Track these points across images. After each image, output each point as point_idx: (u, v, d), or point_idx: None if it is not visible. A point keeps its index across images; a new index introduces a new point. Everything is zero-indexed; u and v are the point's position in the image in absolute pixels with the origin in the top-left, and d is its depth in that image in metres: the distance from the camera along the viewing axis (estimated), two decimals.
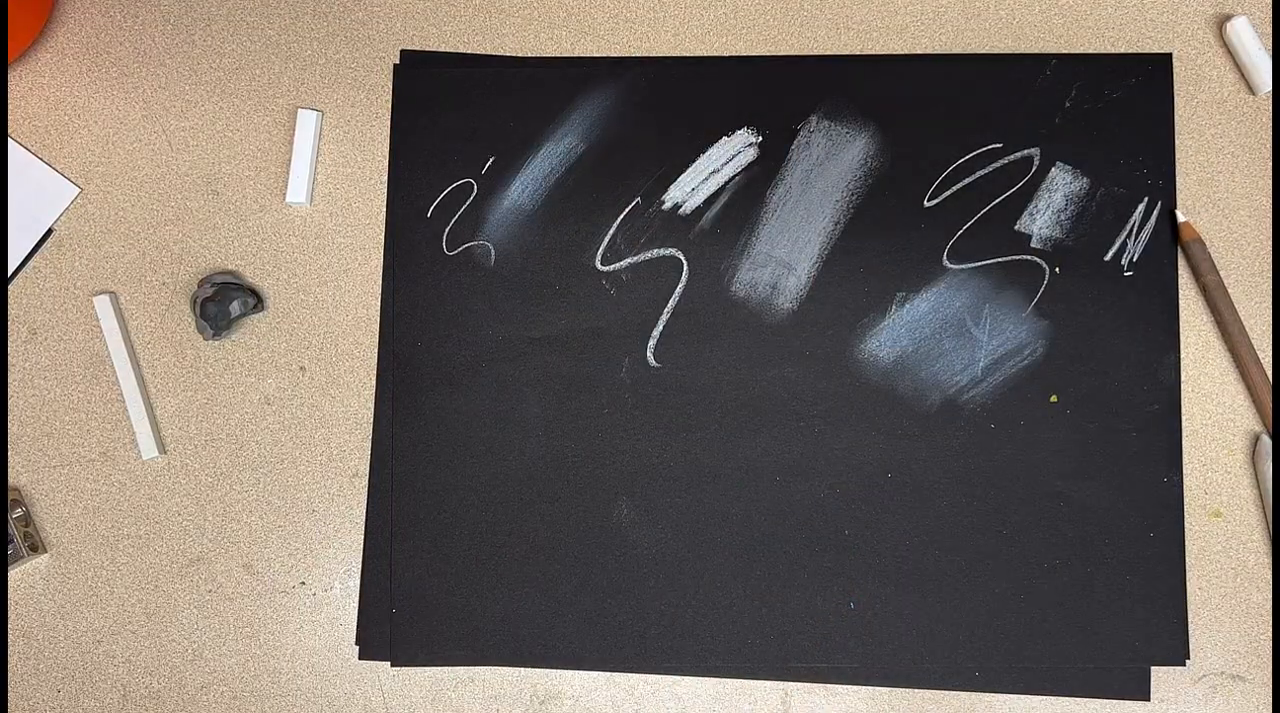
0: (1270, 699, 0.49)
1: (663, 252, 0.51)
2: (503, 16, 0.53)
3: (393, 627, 0.50)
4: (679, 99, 0.52)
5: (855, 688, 0.49)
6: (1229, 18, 0.51)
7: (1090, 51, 0.52)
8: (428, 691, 0.50)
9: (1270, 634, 0.49)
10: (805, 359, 0.50)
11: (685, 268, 0.51)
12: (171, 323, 0.52)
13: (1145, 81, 0.51)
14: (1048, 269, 0.50)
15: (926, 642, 0.49)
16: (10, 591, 0.51)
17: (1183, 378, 0.50)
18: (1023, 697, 0.49)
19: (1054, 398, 0.50)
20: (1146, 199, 0.50)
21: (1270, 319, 0.50)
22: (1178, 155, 0.51)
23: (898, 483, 0.49)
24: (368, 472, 0.51)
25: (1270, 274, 0.50)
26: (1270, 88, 0.51)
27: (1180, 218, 0.50)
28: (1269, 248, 0.50)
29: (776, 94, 0.52)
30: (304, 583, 0.51)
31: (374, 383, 0.52)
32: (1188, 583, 0.49)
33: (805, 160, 0.51)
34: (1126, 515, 0.49)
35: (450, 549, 0.50)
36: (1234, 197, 0.51)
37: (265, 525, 0.51)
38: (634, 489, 0.50)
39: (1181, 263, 0.50)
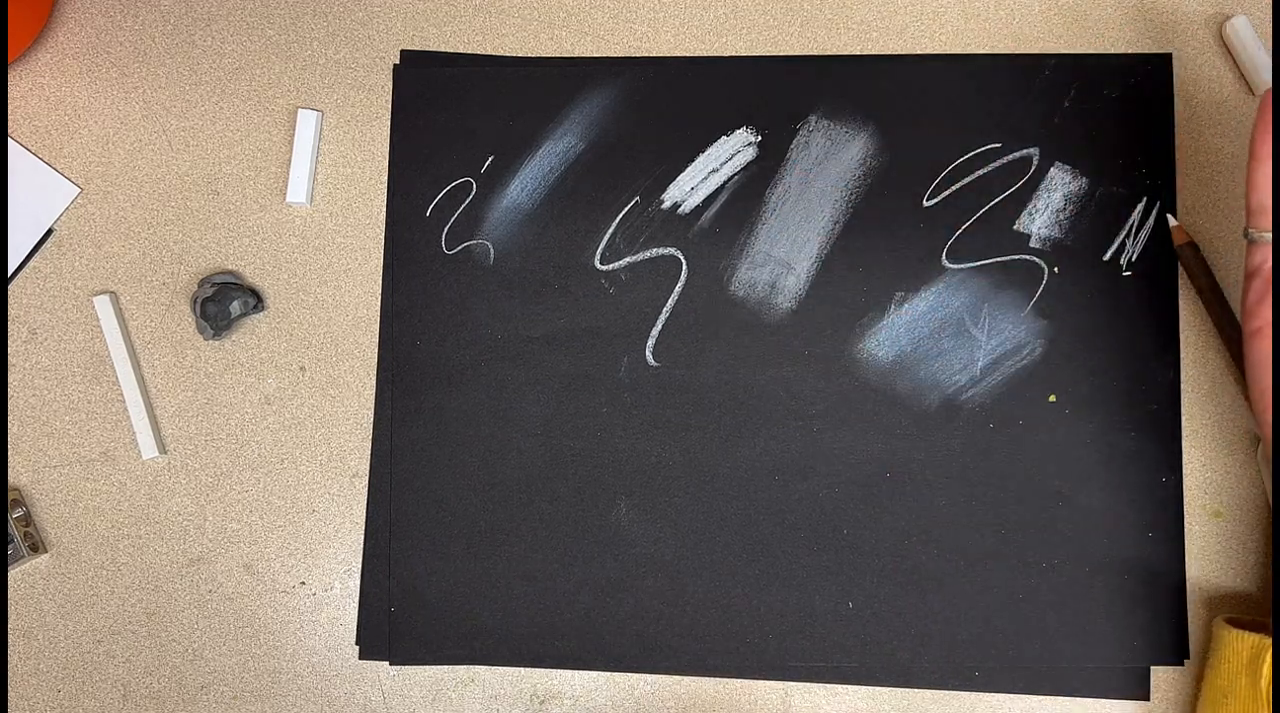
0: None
1: (662, 251, 0.51)
2: (503, 16, 0.54)
3: (391, 626, 0.50)
4: (678, 99, 0.52)
5: (855, 688, 0.49)
6: (1228, 18, 0.51)
7: (1089, 51, 0.52)
8: (428, 691, 0.50)
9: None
10: (804, 359, 0.50)
11: (684, 267, 0.51)
12: (171, 323, 0.53)
13: (1144, 82, 0.51)
14: (1046, 269, 0.50)
15: (925, 642, 0.49)
16: (10, 591, 0.51)
17: (1182, 378, 0.50)
18: (1023, 697, 0.49)
19: (1053, 397, 0.49)
20: (1145, 199, 0.50)
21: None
22: (1177, 155, 0.51)
23: (896, 483, 0.49)
24: (368, 472, 0.51)
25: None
26: (1270, 88, 0.51)
27: (1171, 222, 0.50)
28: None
29: (776, 94, 0.52)
30: (304, 583, 0.51)
31: (374, 383, 0.52)
32: (1188, 583, 0.49)
33: (804, 160, 0.51)
34: (1126, 515, 0.49)
35: (449, 549, 0.50)
36: (1233, 197, 0.51)
37: (265, 525, 0.51)
38: (633, 488, 0.50)
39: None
